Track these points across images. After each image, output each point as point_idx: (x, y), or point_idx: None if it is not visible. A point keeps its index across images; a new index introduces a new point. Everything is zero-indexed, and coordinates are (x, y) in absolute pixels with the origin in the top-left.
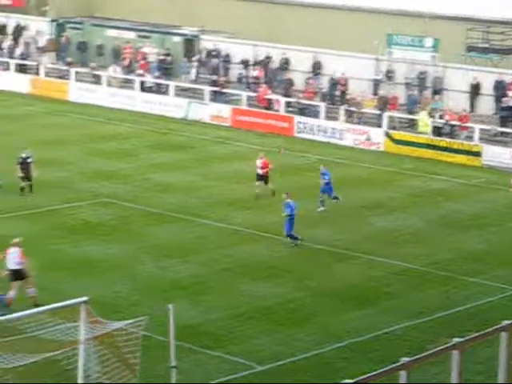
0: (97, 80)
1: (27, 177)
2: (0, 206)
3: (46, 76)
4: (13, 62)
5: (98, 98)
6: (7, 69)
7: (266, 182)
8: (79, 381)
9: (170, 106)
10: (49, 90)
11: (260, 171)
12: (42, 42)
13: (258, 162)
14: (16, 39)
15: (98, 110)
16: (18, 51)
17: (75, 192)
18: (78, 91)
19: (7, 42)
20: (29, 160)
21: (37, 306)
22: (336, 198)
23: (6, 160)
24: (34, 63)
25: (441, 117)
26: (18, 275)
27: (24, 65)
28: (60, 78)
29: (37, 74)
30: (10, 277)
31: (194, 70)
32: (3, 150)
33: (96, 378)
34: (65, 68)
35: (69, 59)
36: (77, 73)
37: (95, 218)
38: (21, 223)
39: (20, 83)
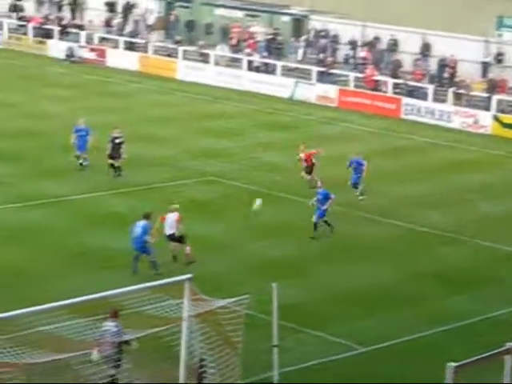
0: (204, 59)
1: (115, 156)
2: (105, 183)
3: (155, 54)
4: (122, 40)
5: (205, 76)
6: (116, 46)
7: (310, 173)
8: (182, 358)
9: (277, 85)
10: (157, 68)
11: (305, 164)
12: (151, 20)
13: (302, 155)
14: (125, 17)
15: (204, 89)
16: (128, 29)
17: (181, 170)
18: (185, 69)
19: (116, 20)
20: (117, 140)
21: (190, 263)
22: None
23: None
24: (143, 41)
25: None
26: (174, 239)
27: (133, 43)
28: (168, 56)
29: (145, 51)
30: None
31: (301, 50)
32: (112, 127)
33: (199, 355)
34: (173, 46)
35: (177, 37)
36: (185, 51)
37: (201, 196)
38: (128, 200)
39: (128, 61)
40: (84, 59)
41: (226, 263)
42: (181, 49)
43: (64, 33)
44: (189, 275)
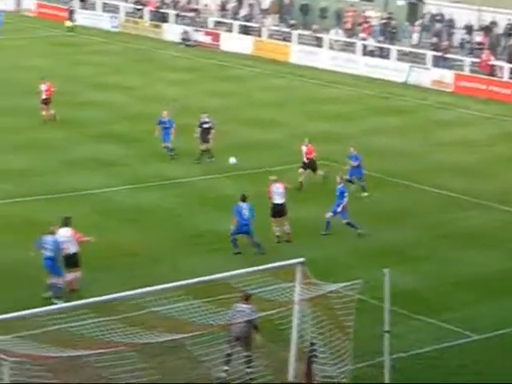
0: (318, 43)
1: (204, 140)
2: (218, 166)
3: (269, 38)
4: (236, 24)
5: (319, 60)
6: (230, 30)
7: (314, 170)
8: (293, 341)
9: (391, 70)
10: (270, 51)
11: (305, 159)
12: (266, 3)
13: (304, 149)
14: (240, 1)
15: (318, 73)
16: (242, 13)
17: (292, 154)
18: (299, 53)
19: (231, 4)
20: (205, 125)
21: (288, 241)
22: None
23: (230, 122)
24: (257, 25)
25: None
26: (282, 210)
27: (247, 26)
28: (282, 40)
29: (259, 35)
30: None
31: (416, 35)
32: (226, 111)
33: (310, 339)
34: (287, 30)
35: (291, 21)
36: (299, 35)
37: (310, 180)
38: (239, 183)
39: (242, 45)
40: (199, 43)
41: (336, 247)
42: (295, 33)
43: (179, 16)
44: (301, 259)
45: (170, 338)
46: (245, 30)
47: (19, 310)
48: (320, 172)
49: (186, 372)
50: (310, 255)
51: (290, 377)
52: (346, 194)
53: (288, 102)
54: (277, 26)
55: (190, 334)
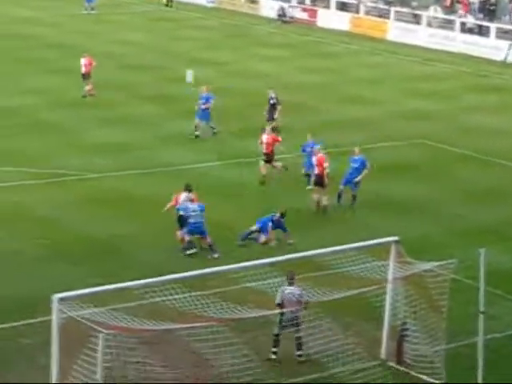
0: (417, 20)
1: (270, 118)
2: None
3: (366, 14)
4: (333, 0)
5: (416, 38)
6: (327, 7)
7: (270, 162)
8: (386, 320)
9: (490, 48)
10: (368, 28)
11: (264, 149)
12: None
13: (264, 138)
14: None
15: (415, 50)
16: None
17: (388, 132)
18: (396, 31)
19: None
20: (271, 101)
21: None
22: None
23: (325, 99)
24: (355, 1)
25: None
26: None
27: (344, 3)
28: (379, 16)
29: (357, 12)
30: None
31: None
32: (321, 88)
33: (402, 318)
34: (385, 7)
35: None
36: (396, 12)
37: (405, 158)
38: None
39: (339, 21)
40: (295, 19)
41: (430, 226)
42: (393, 9)
43: None
44: (395, 237)
45: (262, 314)
46: (342, 7)
47: (113, 283)
48: (278, 164)
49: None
50: (404, 233)
51: (382, 355)
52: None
53: (384, 80)
54: (374, 2)
55: (280, 311)
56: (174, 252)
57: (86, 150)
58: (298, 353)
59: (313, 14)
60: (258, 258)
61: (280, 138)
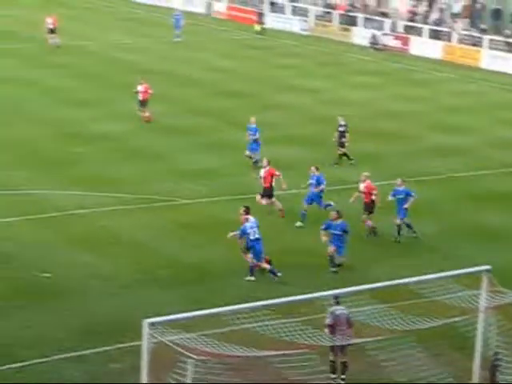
0: (510, 48)
1: (340, 144)
2: (401, 170)
3: (459, 43)
4: (426, 28)
5: (509, 65)
6: (420, 35)
7: (270, 197)
8: (477, 349)
9: None
10: (461, 56)
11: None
12: (457, 8)
13: (262, 172)
14: (430, 5)
15: (508, 78)
16: (433, 17)
17: (481, 160)
18: (490, 59)
19: (421, 8)
20: (340, 128)
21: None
22: (328, 205)
23: (417, 126)
24: (447, 29)
25: None
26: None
27: (437, 31)
28: (472, 45)
29: (449, 40)
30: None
31: None
32: (413, 115)
33: (494, 349)
34: (478, 35)
35: (482, 26)
36: (490, 40)
37: (501, 187)
38: (422, 188)
39: (432, 49)
40: (387, 47)
41: None
42: (486, 38)
43: (368, 20)
44: (487, 266)
45: (353, 342)
46: (434, 35)
47: (203, 309)
48: (277, 203)
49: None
50: (495, 262)
51: None
52: (413, 194)
53: (477, 108)
54: (467, 30)
55: (372, 339)
56: (265, 277)
57: (178, 175)
58: (343, 377)
59: (405, 41)
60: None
61: (278, 173)
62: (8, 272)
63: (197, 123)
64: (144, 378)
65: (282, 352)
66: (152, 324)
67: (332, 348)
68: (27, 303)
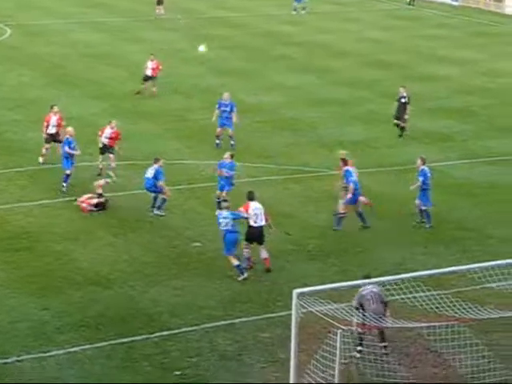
0: None
1: (398, 117)
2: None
3: None
4: None
5: None
6: None
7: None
8: None
9: None
10: None
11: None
12: None
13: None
14: None
15: None
16: None
17: None
18: None
19: None
20: (402, 100)
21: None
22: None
23: None
24: None
25: None
26: None
27: None
28: None
29: None
30: None
31: None
32: None
33: None
34: None
35: None
36: None
37: None
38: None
39: None
40: None
41: None
42: None
43: None
44: None
45: (504, 315)
46: None
47: (350, 280)
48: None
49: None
50: None
51: None
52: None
53: None
54: None
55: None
56: (415, 249)
57: (327, 146)
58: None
59: None
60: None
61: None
62: (162, 241)
63: (348, 94)
64: (293, 348)
65: (431, 323)
66: (301, 294)
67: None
68: (178, 272)
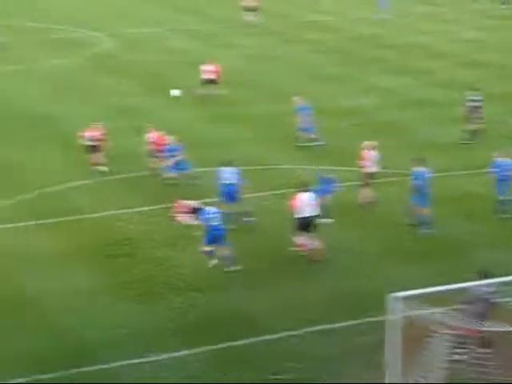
0: None
1: (469, 120)
2: None
3: None
4: None
5: None
6: None
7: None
8: None
9: None
10: None
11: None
12: None
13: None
14: None
15: None
16: None
17: None
18: None
19: None
20: (476, 104)
21: None
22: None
23: None
24: None
25: None
26: None
27: None
28: None
29: None
30: None
31: None
32: None
33: None
34: None
35: None
36: None
37: None
38: None
39: None
40: None
41: None
42: None
43: None
44: None
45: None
46: None
47: (449, 283)
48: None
49: None
50: None
51: None
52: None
53: None
54: None
55: None
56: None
57: (420, 148)
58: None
59: None
60: None
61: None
62: (261, 245)
63: (443, 95)
64: (392, 352)
65: None
66: (399, 298)
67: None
68: (277, 276)
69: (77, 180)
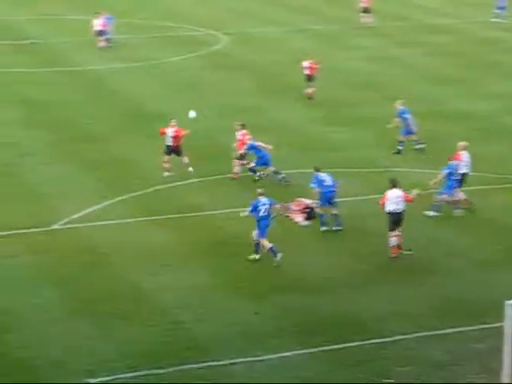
0: None
1: None
2: None
3: None
4: None
5: None
6: None
7: (179, 154)
8: None
9: None
10: None
11: (171, 142)
12: None
13: (170, 131)
14: None
15: None
16: None
17: None
18: None
19: None
20: None
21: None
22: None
23: None
24: None
25: None
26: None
27: None
28: None
29: None
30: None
31: None
32: None
33: None
34: None
35: None
36: None
37: None
38: None
39: None
40: None
41: None
42: None
43: None
44: None
45: None
46: None
47: None
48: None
49: None
50: None
51: None
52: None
53: None
54: None
55: None
56: None
57: None
58: None
59: None
60: None
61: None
62: (369, 248)
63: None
64: (506, 359)
65: None
66: None
67: None
68: (388, 279)
69: (190, 178)
